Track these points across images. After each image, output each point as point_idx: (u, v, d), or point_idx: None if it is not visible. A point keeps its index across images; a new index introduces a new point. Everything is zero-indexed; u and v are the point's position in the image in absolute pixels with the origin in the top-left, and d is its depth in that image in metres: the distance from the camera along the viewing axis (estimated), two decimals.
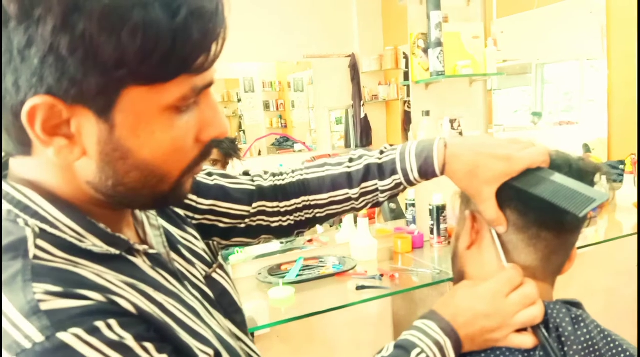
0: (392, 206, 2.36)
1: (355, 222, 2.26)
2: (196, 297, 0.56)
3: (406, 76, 4.44)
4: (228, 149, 2.08)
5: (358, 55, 4.74)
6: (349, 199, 0.72)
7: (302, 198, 0.73)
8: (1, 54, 0.40)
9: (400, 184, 0.69)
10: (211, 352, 0.50)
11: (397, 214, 2.39)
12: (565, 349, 0.60)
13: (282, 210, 0.74)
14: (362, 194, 0.71)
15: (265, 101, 4.67)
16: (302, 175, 0.74)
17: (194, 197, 0.69)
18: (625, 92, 2.44)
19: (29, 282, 0.40)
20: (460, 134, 2.05)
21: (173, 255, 0.58)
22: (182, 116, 0.46)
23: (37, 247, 0.43)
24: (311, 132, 4.87)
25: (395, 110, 4.85)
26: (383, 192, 0.70)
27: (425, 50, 2.01)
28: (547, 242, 0.65)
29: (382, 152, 0.72)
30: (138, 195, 0.48)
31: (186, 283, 0.56)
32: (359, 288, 1.63)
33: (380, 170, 0.70)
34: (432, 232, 2.01)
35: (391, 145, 0.73)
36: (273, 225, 0.74)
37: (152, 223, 0.58)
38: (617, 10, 2.49)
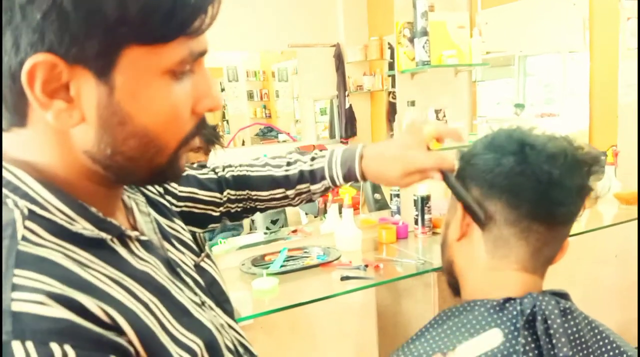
0: (377, 196, 2.36)
1: (340, 212, 2.25)
2: (188, 286, 0.56)
3: (391, 67, 4.43)
4: (210, 136, 2.04)
5: (343, 45, 4.72)
6: (286, 197, 0.82)
7: (247, 191, 0.81)
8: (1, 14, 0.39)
9: (329, 187, 0.81)
10: None
11: (381, 205, 2.39)
12: (554, 341, 0.60)
13: (235, 197, 0.81)
14: (297, 194, 0.82)
15: (249, 91, 4.63)
16: (247, 171, 0.82)
17: (174, 185, 0.71)
18: (607, 85, 2.46)
19: (11, 269, 0.38)
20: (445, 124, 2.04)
21: (165, 243, 0.57)
22: (180, 83, 0.46)
23: (25, 228, 0.42)
24: (295, 122, 4.84)
25: (379, 101, 4.84)
26: (315, 193, 0.82)
27: (411, 40, 2.00)
28: (539, 235, 0.64)
29: (313, 158, 0.82)
30: (135, 166, 0.47)
31: (179, 270, 0.56)
32: (343, 279, 1.62)
33: (312, 176, 0.80)
34: (416, 222, 2.01)
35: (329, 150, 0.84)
36: (232, 211, 0.82)
37: (142, 210, 0.57)
38: (599, 3, 2.51)
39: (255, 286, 1.56)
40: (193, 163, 2.00)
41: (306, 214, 2.81)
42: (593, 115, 2.62)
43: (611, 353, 0.65)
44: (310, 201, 0.85)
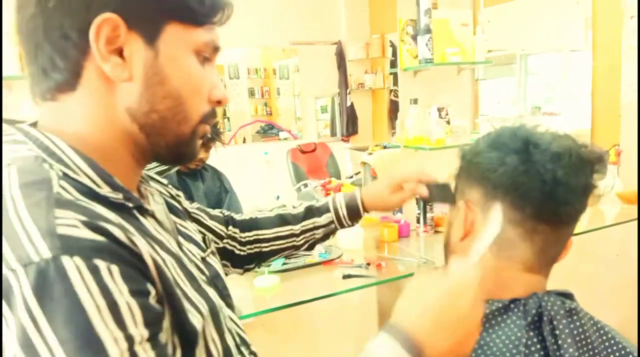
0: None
1: None
2: (196, 266, 0.61)
3: (392, 64, 4.42)
4: (210, 133, 2.04)
5: (344, 42, 4.70)
6: (292, 235, 0.90)
7: (254, 232, 0.89)
8: None
9: (332, 222, 0.91)
10: (201, 319, 0.53)
11: None
12: (560, 342, 0.59)
13: (243, 240, 0.88)
14: (303, 232, 0.90)
15: (250, 88, 4.61)
16: (254, 215, 0.92)
17: (186, 203, 0.77)
18: (609, 83, 2.46)
19: (52, 208, 0.44)
20: (448, 123, 2.04)
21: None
22: (202, 67, 0.56)
23: (60, 186, 0.47)
24: (296, 120, 4.83)
25: (381, 99, 4.83)
26: (319, 227, 0.91)
27: (414, 37, 1.99)
28: (544, 235, 0.63)
29: (317, 200, 0.94)
30: (165, 128, 0.55)
31: (187, 252, 0.61)
32: (345, 277, 1.62)
33: (317, 210, 0.92)
34: (418, 221, 2.01)
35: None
36: (236, 251, 0.88)
37: (156, 200, 0.63)
38: (602, 1, 2.50)
39: (257, 284, 1.55)
40: (198, 164, 2.01)
41: None
42: (595, 114, 2.62)
43: (617, 354, 0.64)
44: (313, 245, 0.93)
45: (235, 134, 4.50)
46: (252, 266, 0.91)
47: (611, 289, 2.40)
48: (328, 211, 0.91)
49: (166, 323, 0.48)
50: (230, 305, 0.67)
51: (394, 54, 4.31)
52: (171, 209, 0.67)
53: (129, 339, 0.42)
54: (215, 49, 0.57)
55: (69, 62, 0.51)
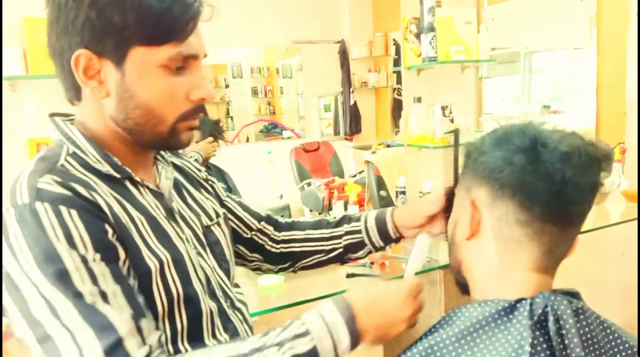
0: (383, 193, 2.35)
1: (346, 209, 2.24)
2: (181, 229, 0.74)
3: (396, 63, 4.41)
4: (212, 131, 2.08)
5: (348, 41, 4.70)
6: (321, 239, 0.94)
7: (291, 232, 0.96)
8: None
9: (359, 231, 0.92)
10: (157, 263, 0.67)
11: (387, 202, 2.38)
12: (566, 341, 0.58)
13: (275, 237, 0.96)
14: (332, 237, 0.94)
15: (253, 87, 4.61)
16: (296, 219, 1.00)
17: (221, 191, 0.91)
18: (614, 81, 2.44)
19: (44, 173, 0.63)
20: (452, 121, 2.03)
21: (178, 201, 0.78)
22: (174, 77, 0.67)
23: (66, 160, 0.67)
24: (300, 119, 4.82)
25: (384, 98, 4.82)
26: (347, 234, 0.93)
27: (418, 36, 1.99)
28: (552, 235, 0.62)
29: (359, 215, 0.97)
30: (142, 130, 0.69)
31: (179, 221, 0.75)
32: (349, 276, 1.62)
33: (349, 219, 0.95)
34: None
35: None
36: (266, 246, 0.95)
37: (168, 176, 0.78)
38: None
39: (261, 283, 1.56)
40: (209, 156, 2.06)
41: (310, 211, 2.80)
42: (600, 112, 2.60)
43: (624, 353, 0.64)
44: (343, 254, 0.94)
45: (238, 133, 4.50)
46: (286, 265, 0.97)
47: (617, 287, 2.38)
48: (358, 220, 0.93)
49: (123, 255, 0.63)
50: (222, 267, 0.80)
51: (397, 52, 4.30)
52: (190, 180, 0.84)
53: (82, 258, 0.59)
54: (188, 57, 0.67)
55: (69, 84, 0.68)
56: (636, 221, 2.01)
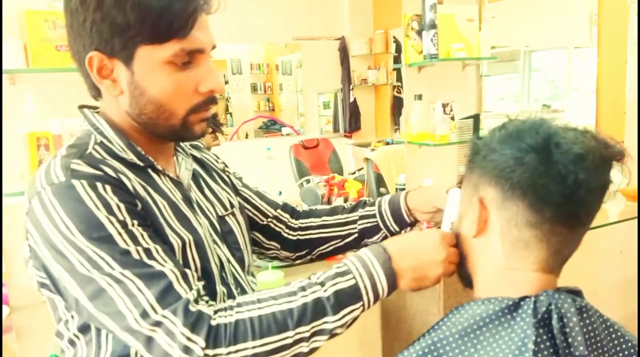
0: (382, 190, 2.34)
1: None
2: (198, 215, 0.77)
3: (396, 60, 4.40)
4: (209, 124, 2.09)
5: (348, 38, 4.69)
6: (337, 224, 0.94)
7: (309, 219, 0.97)
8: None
9: (374, 215, 0.93)
10: (179, 241, 0.71)
11: None
12: (570, 340, 0.58)
13: (291, 225, 0.97)
14: (347, 222, 0.94)
15: (252, 84, 4.60)
16: (313, 207, 1.01)
17: (236, 181, 0.95)
18: (614, 80, 2.44)
19: (75, 157, 0.67)
20: (452, 119, 2.03)
21: (196, 191, 0.81)
22: (181, 72, 0.69)
23: (94, 149, 0.71)
24: (299, 116, 4.82)
25: (384, 95, 4.82)
26: (362, 218, 0.93)
27: (419, 32, 1.98)
28: (562, 237, 0.61)
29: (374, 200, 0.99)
30: (155, 123, 0.72)
31: (197, 209, 0.78)
32: None
33: (364, 204, 0.96)
34: None
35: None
36: (283, 233, 0.96)
37: (187, 167, 0.82)
38: None
39: (261, 279, 1.55)
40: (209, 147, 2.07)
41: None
42: (600, 111, 2.60)
43: (625, 352, 0.64)
44: (359, 239, 0.95)
45: (237, 130, 4.50)
46: (303, 253, 0.97)
47: (616, 286, 2.39)
48: (372, 205, 0.94)
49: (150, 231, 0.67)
50: (235, 256, 0.83)
51: (398, 49, 4.29)
52: (208, 172, 0.88)
53: (122, 223, 0.64)
54: (194, 52, 0.68)
55: (89, 82, 0.73)
56: (635, 220, 2.02)
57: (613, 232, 2.08)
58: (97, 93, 0.74)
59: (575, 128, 0.61)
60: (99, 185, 0.65)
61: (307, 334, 0.64)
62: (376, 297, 0.68)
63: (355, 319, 0.68)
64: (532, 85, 3.29)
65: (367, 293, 0.67)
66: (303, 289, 0.66)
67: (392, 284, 0.68)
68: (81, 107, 0.77)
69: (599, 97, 2.59)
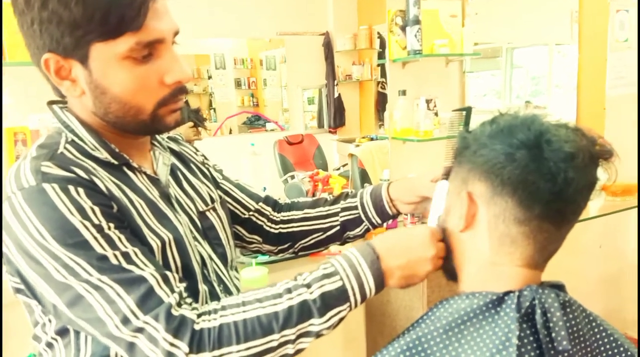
0: (366, 185, 2.35)
1: None
2: (177, 213, 0.75)
3: (380, 56, 4.40)
4: (190, 117, 2.08)
5: (332, 33, 4.67)
6: (319, 217, 0.93)
7: (291, 212, 0.96)
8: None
9: (356, 207, 0.91)
10: (158, 242, 0.68)
11: None
12: (553, 334, 0.58)
13: (273, 218, 0.96)
14: (329, 215, 0.93)
15: (236, 79, 4.56)
16: (295, 200, 0.99)
17: (217, 174, 0.93)
18: (595, 77, 2.48)
19: (45, 159, 0.64)
20: (436, 114, 2.04)
21: (175, 186, 0.79)
22: (143, 65, 0.66)
23: (65, 148, 0.68)
24: (283, 111, 4.79)
25: (368, 91, 4.82)
26: (343, 210, 0.92)
27: (403, 28, 1.98)
28: (548, 234, 0.62)
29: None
30: (125, 122, 0.69)
31: (176, 206, 0.76)
32: None
33: (346, 196, 0.95)
34: None
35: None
36: (265, 227, 0.95)
37: (165, 162, 0.79)
38: None
39: (244, 275, 1.54)
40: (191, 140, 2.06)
41: None
42: (580, 107, 2.64)
43: (607, 346, 0.64)
44: (342, 232, 0.93)
45: (221, 125, 4.46)
46: (285, 246, 0.96)
47: (595, 280, 2.44)
48: (354, 196, 0.93)
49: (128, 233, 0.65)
50: (217, 252, 0.81)
51: (382, 45, 4.29)
52: (188, 167, 0.85)
53: (98, 227, 0.61)
54: (153, 43, 0.65)
55: (51, 84, 0.70)
56: (614, 215, 2.06)
57: (593, 226, 2.11)
58: (60, 95, 0.72)
59: (566, 125, 0.61)
60: (71, 188, 0.62)
61: (292, 337, 0.63)
62: (363, 298, 0.67)
63: (341, 320, 0.67)
64: (514, 81, 3.32)
65: (354, 294, 0.66)
66: (289, 291, 0.65)
67: (380, 284, 0.68)
68: (51, 103, 0.73)
69: (580, 94, 2.63)
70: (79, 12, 0.60)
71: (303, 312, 0.63)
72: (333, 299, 0.65)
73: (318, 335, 0.65)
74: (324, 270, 0.66)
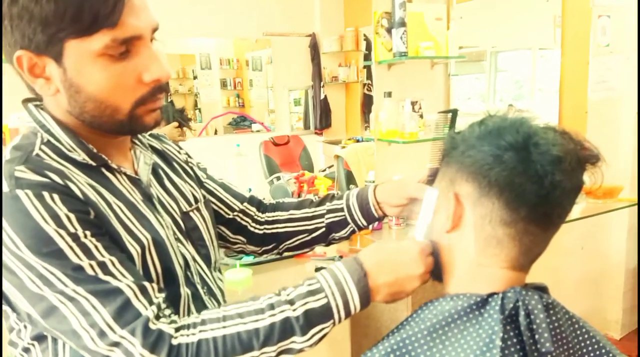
0: (352, 187, 2.35)
1: None
2: (159, 214, 0.73)
3: (366, 58, 4.41)
4: (175, 117, 2.07)
5: (318, 35, 4.67)
6: (304, 218, 0.92)
7: (275, 213, 0.94)
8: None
9: (342, 209, 0.90)
10: (138, 247, 0.66)
11: None
12: (536, 336, 0.59)
13: (258, 218, 0.94)
14: (315, 216, 0.91)
15: (222, 79, 4.53)
16: (280, 200, 0.98)
17: (201, 173, 0.91)
18: (577, 81, 2.51)
19: (19, 163, 0.62)
20: (421, 116, 2.04)
21: (157, 187, 0.76)
22: (119, 63, 0.63)
23: (40, 149, 0.65)
24: (269, 112, 4.78)
25: (354, 93, 4.83)
26: (329, 212, 0.91)
27: (389, 30, 1.99)
28: (534, 236, 0.62)
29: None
30: (100, 121, 0.66)
31: (158, 207, 0.74)
32: (317, 270, 1.61)
33: (333, 197, 0.93)
34: None
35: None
36: (249, 228, 0.93)
37: (147, 162, 0.77)
38: (571, 0, 2.55)
39: (228, 277, 1.53)
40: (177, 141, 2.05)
41: None
42: (563, 111, 2.67)
43: (589, 348, 0.65)
44: (327, 234, 0.92)
45: (206, 126, 4.42)
46: (270, 247, 0.94)
47: (577, 281, 2.47)
48: (340, 198, 0.91)
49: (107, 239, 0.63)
50: (200, 253, 0.79)
51: (368, 47, 4.31)
52: (172, 166, 0.83)
53: (73, 235, 0.59)
54: (130, 39, 0.62)
55: (26, 83, 0.66)
56: (596, 217, 2.08)
57: (575, 228, 2.14)
58: (35, 94, 0.69)
59: (554, 128, 0.61)
60: (45, 194, 0.59)
61: (273, 354, 0.62)
62: (347, 315, 0.66)
63: (324, 336, 0.65)
64: (498, 85, 3.36)
65: (338, 312, 0.65)
66: (272, 307, 0.63)
67: (366, 301, 0.66)
68: (26, 101, 0.70)
69: (562, 97, 2.66)
70: (50, 8, 0.58)
71: (285, 329, 0.62)
72: (317, 317, 0.63)
73: (300, 351, 0.64)
74: (309, 286, 0.65)
